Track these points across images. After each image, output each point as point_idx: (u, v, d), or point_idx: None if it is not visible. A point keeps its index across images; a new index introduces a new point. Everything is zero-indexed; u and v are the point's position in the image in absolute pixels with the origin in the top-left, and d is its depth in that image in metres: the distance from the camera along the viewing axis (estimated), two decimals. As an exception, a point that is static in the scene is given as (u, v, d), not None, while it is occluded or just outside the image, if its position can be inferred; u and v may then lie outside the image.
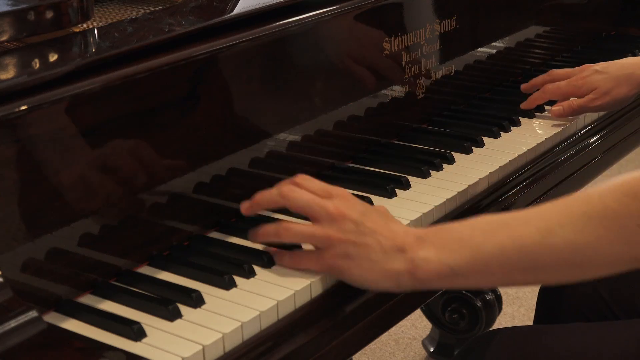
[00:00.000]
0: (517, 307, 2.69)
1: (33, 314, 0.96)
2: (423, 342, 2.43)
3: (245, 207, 1.18)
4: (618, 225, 0.98)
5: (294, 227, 1.11)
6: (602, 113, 1.69)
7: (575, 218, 1.00)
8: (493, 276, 1.04)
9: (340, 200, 1.10)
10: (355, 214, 1.08)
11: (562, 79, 1.63)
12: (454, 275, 1.03)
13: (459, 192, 1.35)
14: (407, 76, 1.54)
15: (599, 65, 1.60)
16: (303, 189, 1.12)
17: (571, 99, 1.60)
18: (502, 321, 2.45)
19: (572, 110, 1.57)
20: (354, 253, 1.07)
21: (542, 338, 1.31)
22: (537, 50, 1.90)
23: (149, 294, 1.10)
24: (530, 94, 1.66)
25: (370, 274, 1.06)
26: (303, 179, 1.14)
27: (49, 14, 1.17)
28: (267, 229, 1.14)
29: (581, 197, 1.02)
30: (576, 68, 1.63)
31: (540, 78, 1.67)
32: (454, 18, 1.61)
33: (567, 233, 0.99)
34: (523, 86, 1.68)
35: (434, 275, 1.04)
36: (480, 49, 1.73)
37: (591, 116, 1.66)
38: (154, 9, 1.38)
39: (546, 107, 1.66)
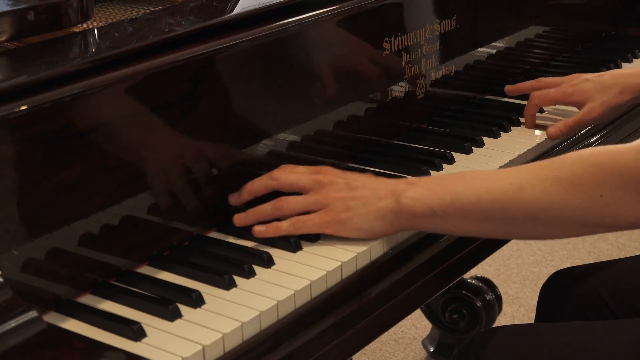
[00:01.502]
0: (517, 307, 2.70)
1: (33, 314, 0.96)
2: (423, 342, 2.43)
3: (234, 198, 1.25)
4: (582, 192, 1.08)
5: (292, 199, 1.21)
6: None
7: (545, 180, 1.09)
8: (469, 222, 1.15)
9: (326, 171, 1.24)
10: (342, 177, 1.22)
11: (551, 87, 1.61)
12: (434, 215, 1.15)
13: (459, 192, 1.35)
14: (407, 76, 1.54)
15: (589, 75, 1.59)
16: (289, 186, 1.23)
17: (564, 119, 1.57)
18: (502, 321, 2.45)
19: (569, 128, 1.53)
20: (352, 204, 1.18)
21: (542, 336, 1.31)
22: (537, 50, 1.90)
23: (149, 294, 1.10)
24: (514, 98, 1.67)
25: (367, 217, 1.17)
26: (288, 165, 1.26)
27: (49, 14, 1.17)
28: (265, 207, 1.22)
29: (555, 162, 1.12)
30: (565, 77, 1.61)
31: (529, 84, 1.65)
32: (454, 18, 1.61)
33: (536, 192, 1.09)
34: (507, 88, 1.67)
35: (417, 213, 1.16)
36: (480, 49, 1.73)
37: (591, 116, 1.66)
38: (154, 9, 1.38)
39: (545, 108, 1.65)
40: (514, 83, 1.79)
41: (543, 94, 1.59)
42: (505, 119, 1.60)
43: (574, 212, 1.10)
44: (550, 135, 1.54)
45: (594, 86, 1.54)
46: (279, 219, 1.21)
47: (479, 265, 1.66)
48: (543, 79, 1.64)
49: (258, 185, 1.24)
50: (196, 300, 1.07)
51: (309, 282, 1.12)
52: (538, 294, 1.61)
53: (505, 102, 1.71)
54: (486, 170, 1.17)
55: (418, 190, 1.16)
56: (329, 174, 1.23)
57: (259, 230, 1.20)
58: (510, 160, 1.45)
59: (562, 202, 1.09)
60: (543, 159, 1.51)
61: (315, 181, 1.22)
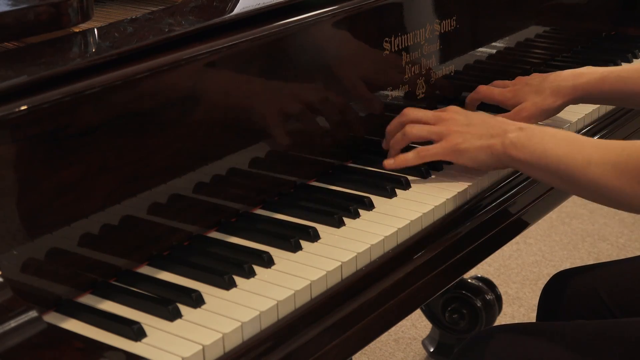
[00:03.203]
0: (517, 307, 2.70)
1: (33, 314, 0.96)
2: (423, 342, 2.43)
3: (385, 144, 1.45)
4: (629, 184, 1.21)
5: (417, 126, 1.39)
6: (601, 113, 1.69)
7: (607, 162, 1.22)
8: (549, 176, 1.30)
9: (448, 109, 1.41)
10: (462, 114, 1.39)
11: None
12: (526, 163, 1.30)
13: (458, 192, 1.35)
14: (407, 76, 1.54)
15: (529, 78, 1.60)
16: (416, 121, 1.40)
17: None
18: (502, 321, 2.45)
19: None
20: (469, 137, 1.34)
21: (542, 335, 1.31)
22: (537, 50, 1.90)
23: (149, 294, 1.10)
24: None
25: (480, 151, 1.33)
26: (411, 113, 1.42)
27: (49, 14, 1.17)
28: (396, 137, 1.41)
29: (620, 147, 1.24)
30: (512, 81, 1.62)
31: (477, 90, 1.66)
32: (454, 18, 1.61)
33: (598, 171, 1.23)
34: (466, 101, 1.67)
35: (514, 157, 1.31)
36: (480, 49, 1.73)
37: (591, 116, 1.67)
38: (154, 9, 1.38)
39: None
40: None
41: (489, 91, 1.61)
42: (505, 119, 1.60)
43: (622, 197, 1.22)
44: None
45: (530, 89, 1.57)
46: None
47: (479, 265, 1.66)
48: (496, 82, 1.65)
49: (393, 124, 1.44)
50: (196, 300, 1.07)
51: (309, 282, 1.12)
52: (538, 294, 1.61)
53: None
54: (577, 135, 1.32)
55: (522, 136, 1.30)
56: (450, 111, 1.40)
57: (388, 163, 1.39)
58: (510, 160, 1.45)
59: (614, 187, 1.22)
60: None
61: (437, 116, 1.39)
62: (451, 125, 1.37)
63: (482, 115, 1.39)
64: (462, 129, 1.35)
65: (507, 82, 1.63)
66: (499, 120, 1.36)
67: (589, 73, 1.55)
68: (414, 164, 1.38)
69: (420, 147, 1.38)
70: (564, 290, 1.56)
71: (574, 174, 1.25)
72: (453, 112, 1.39)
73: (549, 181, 1.33)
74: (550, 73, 1.59)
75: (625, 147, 1.23)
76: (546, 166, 1.28)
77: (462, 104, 1.69)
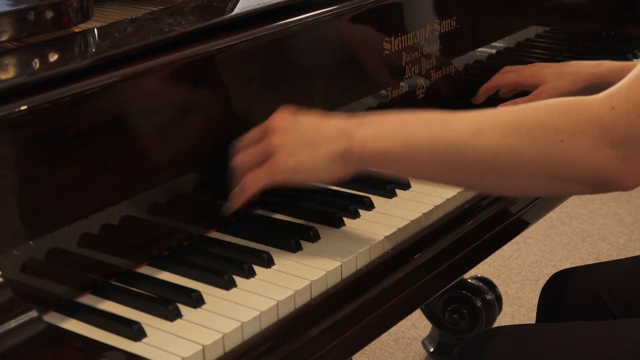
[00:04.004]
0: (517, 307, 2.70)
1: (33, 314, 0.96)
2: (423, 342, 2.43)
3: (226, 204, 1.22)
4: (543, 135, 1.01)
5: (238, 158, 1.18)
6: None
7: (505, 123, 1.02)
8: (422, 166, 1.08)
9: (274, 117, 1.16)
10: (287, 120, 1.14)
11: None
12: (386, 157, 1.08)
13: (459, 192, 1.35)
14: (407, 76, 1.54)
15: (551, 63, 1.61)
16: (245, 147, 1.18)
17: (517, 99, 1.59)
18: (502, 321, 2.45)
19: None
20: (298, 149, 1.11)
21: (542, 336, 1.31)
22: (537, 50, 1.90)
23: (149, 294, 1.10)
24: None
25: (316, 162, 1.11)
26: (238, 144, 1.19)
27: (49, 14, 1.17)
28: (232, 183, 1.18)
29: (517, 107, 1.06)
30: (528, 65, 1.63)
31: (492, 79, 1.66)
32: (454, 18, 1.61)
33: (494, 135, 1.02)
34: (474, 100, 1.67)
35: (368, 155, 1.09)
36: (480, 49, 1.73)
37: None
38: (154, 9, 1.38)
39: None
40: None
41: (504, 76, 1.61)
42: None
43: (531, 159, 1.02)
44: None
45: (551, 72, 1.57)
46: None
47: (479, 265, 1.66)
48: (507, 67, 1.65)
49: (235, 175, 1.20)
50: (196, 300, 1.07)
51: (309, 282, 1.12)
52: (538, 294, 1.61)
53: (504, 101, 1.70)
54: (442, 113, 1.10)
55: (371, 129, 1.10)
56: (275, 119, 1.17)
57: (226, 207, 1.20)
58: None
59: (520, 146, 1.02)
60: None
61: (260, 130, 1.17)
62: (275, 138, 1.14)
63: (310, 119, 1.16)
64: (288, 139, 1.13)
65: (520, 66, 1.63)
66: (334, 120, 1.15)
67: (609, 63, 1.55)
68: (245, 198, 1.17)
69: (243, 180, 1.16)
70: (564, 290, 1.56)
71: (458, 150, 1.04)
72: (278, 120, 1.17)
73: (422, 173, 1.12)
74: (570, 61, 1.59)
75: (526, 105, 1.07)
76: (416, 154, 1.07)
77: (463, 103, 1.69)
